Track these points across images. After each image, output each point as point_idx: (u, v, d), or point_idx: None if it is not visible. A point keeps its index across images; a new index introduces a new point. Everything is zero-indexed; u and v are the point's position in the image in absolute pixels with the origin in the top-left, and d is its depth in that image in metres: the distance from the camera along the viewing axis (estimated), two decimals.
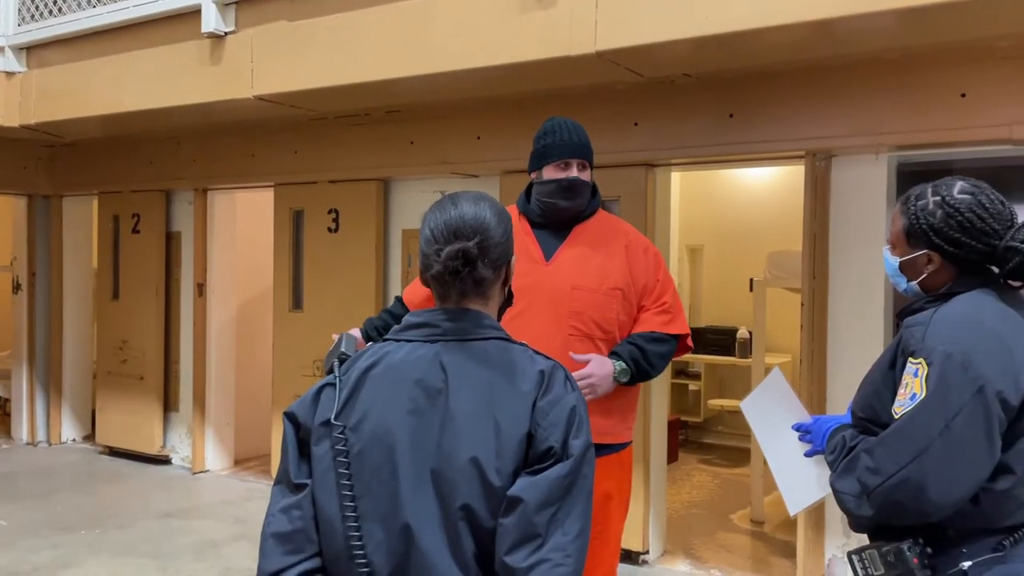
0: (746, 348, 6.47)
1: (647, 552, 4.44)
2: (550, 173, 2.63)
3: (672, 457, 6.23)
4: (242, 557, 4.48)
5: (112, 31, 5.09)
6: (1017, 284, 1.70)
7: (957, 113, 3.58)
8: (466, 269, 1.46)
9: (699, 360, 7.09)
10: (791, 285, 4.99)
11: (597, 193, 2.76)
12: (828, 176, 3.99)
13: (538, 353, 1.50)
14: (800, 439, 2.02)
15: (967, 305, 1.66)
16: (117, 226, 6.70)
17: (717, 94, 4.12)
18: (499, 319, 1.57)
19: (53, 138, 6.41)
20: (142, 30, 4.97)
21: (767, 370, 5.53)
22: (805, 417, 2.05)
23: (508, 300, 1.61)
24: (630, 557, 4.40)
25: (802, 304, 4.02)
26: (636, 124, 4.32)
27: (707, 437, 7.46)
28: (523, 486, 1.35)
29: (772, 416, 2.20)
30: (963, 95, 3.57)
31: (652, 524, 4.46)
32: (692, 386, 7.41)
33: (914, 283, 1.79)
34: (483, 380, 1.43)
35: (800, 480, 2.09)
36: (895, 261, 1.81)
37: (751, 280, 5.53)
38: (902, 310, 1.80)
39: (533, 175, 2.70)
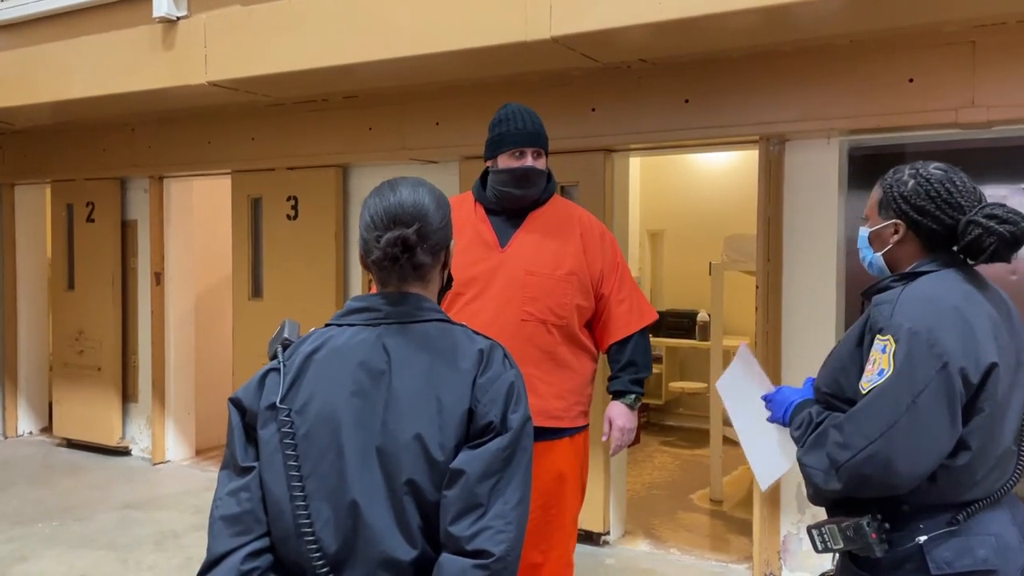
0: (706, 331, 6.54)
1: (608, 533, 4.50)
2: (505, 162, 2.62)
3: (634, 439, 6.31)
4: (203, 547, 4.42)
5: (61, 16, 4.98)
6: (971, 262, 1.75)
7: (905, 98, 3.65)
8: (405, 256, 1.49)
9: (660, 343, 7.17)
10: (747, 268, 5.05)
11: (552, 179, 2.76)
12: (782, 160, 4.05)
13: (477, 333, 1.53)
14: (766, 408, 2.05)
15: (933, 284, 1.70)
16: (71, 215, 6.58)
17: (673, 79, 4.15)
18: (439, 302, 1.60)
19: (3, 125, 6.27)
20: (92, 15, 4.86)
21: (726, 352, 5.64)
22: (771, 389, 2.08)
23: (448, 284, 1.64)
24: (591, 538, 4.46)
25: (757, 286, 4.09)
26: (594, 110, 4.34)
27: (668, 419, 7.55)
28: (465, 459, 1.39)
29: (742, 392, 2.22)
30: (911, 80, 3.64)
31: (613, 505, 4.52)
32: (654, 369, 7.47)
33: (879, 254, 1.84)
34: (425, 360, 1.45)
35: (769, 454, 2.11)
36: (865, 232, 1.87)
37: (710, 264, 5.60)
38: (868, 289, 1.84)
39: (489, 163, 2.70)
